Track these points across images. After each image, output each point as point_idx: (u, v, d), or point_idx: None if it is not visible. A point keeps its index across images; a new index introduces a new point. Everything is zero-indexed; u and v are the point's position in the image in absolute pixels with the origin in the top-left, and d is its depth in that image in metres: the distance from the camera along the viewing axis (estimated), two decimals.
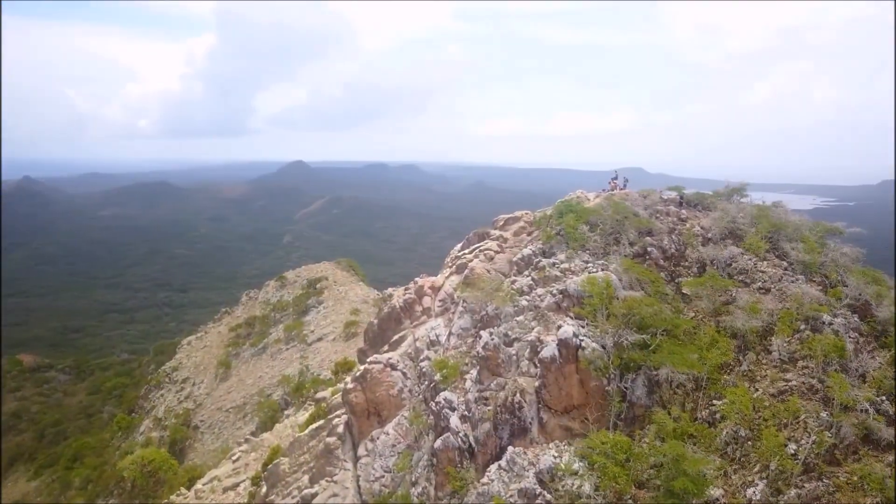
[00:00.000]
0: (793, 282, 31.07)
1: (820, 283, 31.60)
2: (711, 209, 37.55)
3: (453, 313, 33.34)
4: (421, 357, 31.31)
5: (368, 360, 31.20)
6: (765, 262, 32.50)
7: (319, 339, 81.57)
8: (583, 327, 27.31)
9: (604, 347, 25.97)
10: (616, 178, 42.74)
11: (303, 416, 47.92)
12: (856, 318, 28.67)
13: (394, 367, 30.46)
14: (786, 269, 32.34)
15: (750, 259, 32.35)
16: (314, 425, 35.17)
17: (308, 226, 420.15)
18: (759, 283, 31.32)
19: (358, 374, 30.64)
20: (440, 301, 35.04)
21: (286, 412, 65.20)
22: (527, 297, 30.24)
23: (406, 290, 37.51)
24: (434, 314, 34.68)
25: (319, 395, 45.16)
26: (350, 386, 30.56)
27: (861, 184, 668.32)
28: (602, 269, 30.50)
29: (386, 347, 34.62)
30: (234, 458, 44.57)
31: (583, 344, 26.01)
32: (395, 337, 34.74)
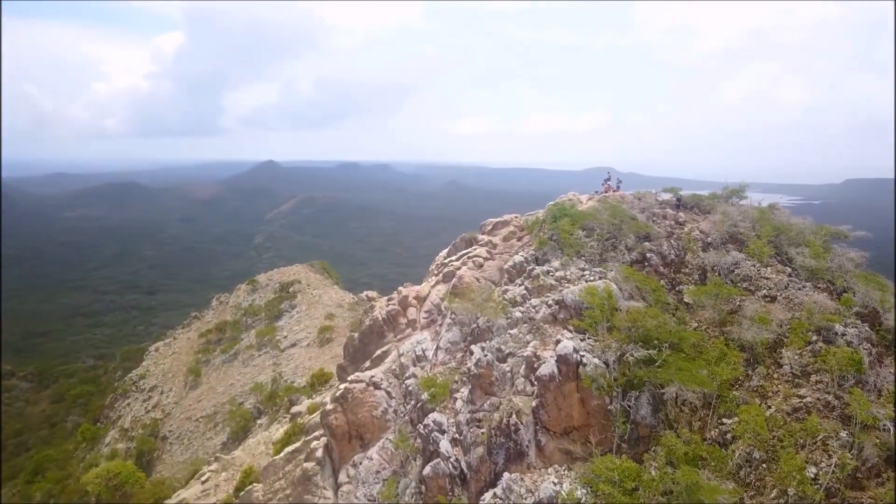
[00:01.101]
0: (800, 289, 29.37)
1: (825, 289, 30.00)
2: (710, 212, 35.82)
3: (440, 325, 30.98)
4: (406, 374, 28.86)
5: (349, 378, 28.59)
6: (768, 269, 30.80)
7: (293, 345, 78.84)
8: (582, 340, 25.30)
9: (606, 364, 23.89)
10: (609, 179, 40.63)
11: (277, 430, 45.34)
12: (866, 328, 27.04)
13: (377, 386, 27.97)
14: (790, 275, 30.66)
15: (753, 265, 30.61)
16: (290, 448, 32.54)
17: (280, 226, 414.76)
18: (765, 291, 29.59)
19: (338, 393, 28.05)
20: (426, 312, 32.63)
21: (259, 421, 62.94)
22: (520, 308, 28.03)
23: (389, 300, 34.84)
24: (419, 326, 32.26)
25: (295, 409, 42.54)
26: (329, 407, 27.99)
27: (826, 182, 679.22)
28: (600, 278, 28.48)
29: (368, 363, 32.05)
30: (203, 478, 41.75)
31: (584, 360, 23.92)
32: (378, 352, 32.17)
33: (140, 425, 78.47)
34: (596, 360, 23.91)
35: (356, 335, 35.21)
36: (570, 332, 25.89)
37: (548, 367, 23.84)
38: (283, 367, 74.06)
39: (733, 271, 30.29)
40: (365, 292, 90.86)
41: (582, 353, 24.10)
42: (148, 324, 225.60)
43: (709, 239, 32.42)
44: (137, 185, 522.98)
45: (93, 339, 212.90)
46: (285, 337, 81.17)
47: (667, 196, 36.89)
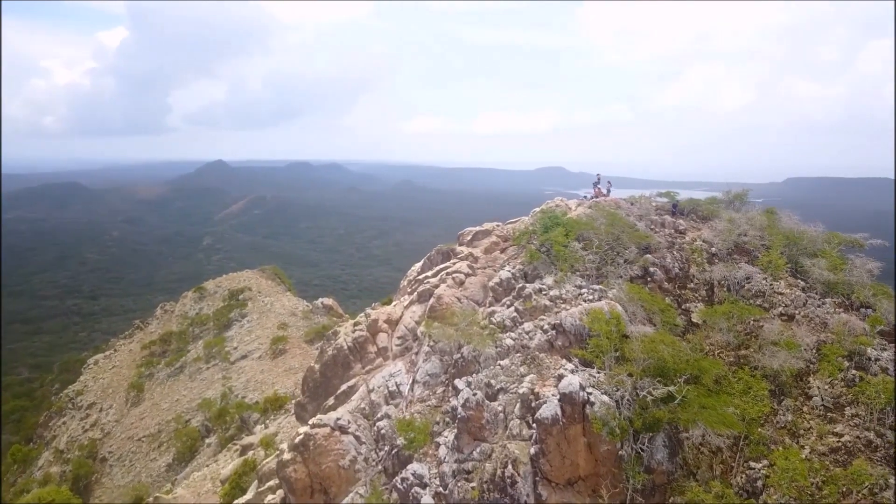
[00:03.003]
0: (819, 306, 26.16)
1: (841, 304, 26.88)
2: (707, 218, 32.51)
3: (417, 353, 26.66)
4: (378, 414, 24.48)
5: (311, 422, 23.99)
6: (781, 282, 27.51)
7: (244, 357, 73.98)
8: (586, 373, 21.50)
9: (618, 403, 20.08)
10: (598, 182, 36.68)
11: (226, 461, 40.67)
12: (893, 348, 23.97)
13: (343, 430, 23.49)
14: (804, 289, 27.47)
15: (765, 279, 27.27)
16: (240, 501, 27.93)
17: (229, 227, 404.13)
18: (780, 308, 26.29)
19: (297, 440, 23.46)
20: (399, 338, 28.20)
21: (207, 440, 58.35)
22: (511, 335, 24.02)
23: (356, 325, 30.07)
24: (392, 355, 27.82)
25: (246, 440, 37.91)
26: (287, 457, 23.41)
27: (769, 181, 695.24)
28: (600, 297, 24.68)
29: (331, 400, 27.48)
30: None
31: (591, 398, 20.10)
32: (344, 387, 27.54)
33: (77, 446, 72.78)
34: (605, 398, 20.14)
35: (317, 367, 30.44)
36: (572, 363, 22.07)
37: (549, 408, 19.98)
38: (233, 382, 69.39)
39: (744, 286, 26.92)
40: (320, 299, 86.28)
41: (589, 389, 20.32)
42: (90, 330, 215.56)
43: (713, 249, 29.03)
44: (79, 186, 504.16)
45: (31, 347, 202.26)
46: (235, 348, 76.38)
47: (662, 201, 33.46)
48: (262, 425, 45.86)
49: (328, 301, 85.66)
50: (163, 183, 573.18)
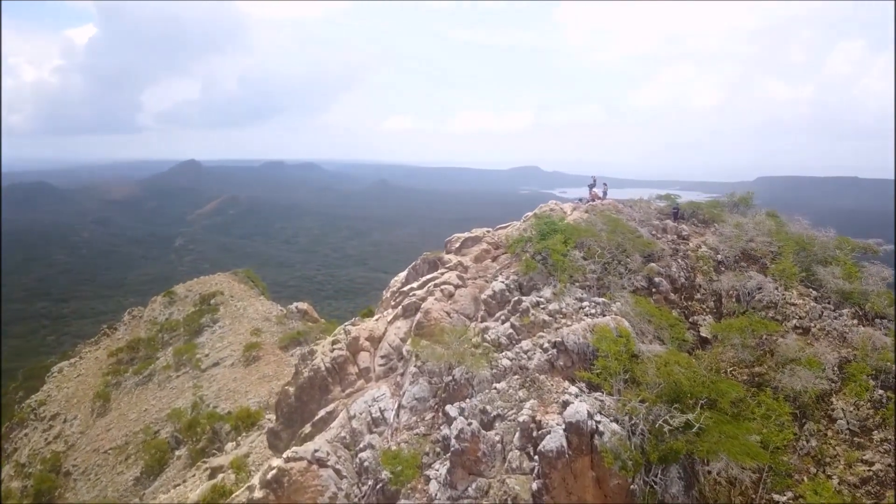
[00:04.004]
0: (836, 318, 24.27)
1: (855, 314, 25.06)
2: (707, 222, 30.54)
3: (402, 375, 24.25)
4: (360, 444, 22.05)
5: (285, 455, 21.49)
6: (793, 292, 25.58)
7: (215, 365, 71.15)
8: (591, 396, 19.34)
9: (630, 433, 17.92)
10: (594, 184, 34.42)
11: (193, 484, 38.05)
12: None
13: (322, 464, 21.02)
14: (816, 299, 25.58)
15: (776, 288, 25.33)
16: None
17: (202, 227, 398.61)
18: (795, 321, 24.34)
19: (270, 476, 20.93)
20: (382, 357, 25.72)
21: (177, 452, 55.79)
22: (508, 354, 21.70)
23: (334, 343, 27.42)
24: (375, 376, 25.34)
25: (215, 461, 35.31)
26: (258, 495, 20.86)
27: (739, 180, 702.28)
28: (604, 311, 22.50)
29: (308, 427, 24.97)
30: None
31: (600, 427, 17.94)
32: (322, 412, 25.01)
33: (39, 459, 69.62)
34: (616, 427, 17.99)
35: (292, 390, 27.77)
36: (576, 386, 19.88)
37: (554, 440, 17.78)
38: (204, 390, 66.63)
39: (754, 297, 24.94)
40: (295, 304, 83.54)
41: (598, 417, 18.15)
42: (60, 333, 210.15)
43: (719, 256, 27.04)
44: (47, 186, 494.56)
45: None
46: (207, 355, 73.48)
47: (661, 204, 31.44)
48: (234, 443, 43.32)
49: (303, 305, 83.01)
50: (134, 183, 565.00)
